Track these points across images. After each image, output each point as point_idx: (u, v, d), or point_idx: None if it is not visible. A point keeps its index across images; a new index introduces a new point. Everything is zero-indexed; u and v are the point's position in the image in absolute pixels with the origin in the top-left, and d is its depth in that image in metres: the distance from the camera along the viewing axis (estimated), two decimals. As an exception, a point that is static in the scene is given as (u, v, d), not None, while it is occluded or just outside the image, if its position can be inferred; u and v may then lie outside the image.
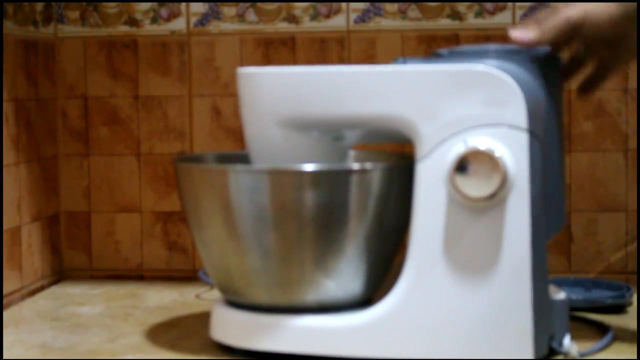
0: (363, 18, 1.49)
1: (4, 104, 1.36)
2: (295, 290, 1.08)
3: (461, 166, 1.02)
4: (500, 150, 1.02)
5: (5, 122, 1.36)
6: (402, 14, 1.48)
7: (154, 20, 1.52)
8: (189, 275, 1.53)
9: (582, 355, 1.08)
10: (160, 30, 1.52)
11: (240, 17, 1.51)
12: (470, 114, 1.03)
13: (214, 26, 1.51)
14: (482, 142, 1.02)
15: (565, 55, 1.12)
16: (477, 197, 1.02)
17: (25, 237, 1.42)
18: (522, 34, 1.06)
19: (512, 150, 1.03)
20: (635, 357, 1.09)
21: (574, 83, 1.16)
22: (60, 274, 1.55)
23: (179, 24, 1.52)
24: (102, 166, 1.55)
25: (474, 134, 1.03)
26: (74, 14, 1.54)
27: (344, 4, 1.49)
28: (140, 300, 1.41)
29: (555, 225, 1.09)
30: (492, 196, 1.02)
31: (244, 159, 1.15)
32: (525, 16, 1.13)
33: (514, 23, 1.46)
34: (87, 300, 1.41)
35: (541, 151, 1.05)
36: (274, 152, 1.11)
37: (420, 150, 1.05)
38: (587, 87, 1.15)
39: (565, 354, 1.07)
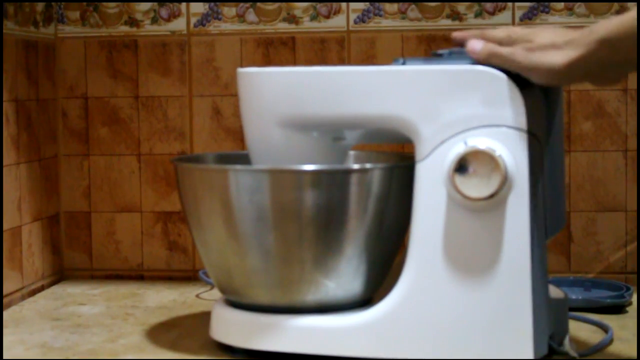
0: (363, 18, 1.49)
1: (5, 104, 1.36)
2: (295, 290, 1.08)
3: (461, 166, 1.02)
4: (500, 150, 1.02)
5: (5, 122, 1.36)
6: (402, 14, 1.48)
7: (154, 21, 1.52)
8: (189, 275, 1.53)
9: (581, 355, 1.08)
10: (160, 31, 1.53)
11: (240, 18, 1.51)
12: (470, 114, 1.03)
13: (214, 26, 1.51)
14: (482, 142, 1.02)
15: None
16: (477, 197, 1.02)
17: (25, 237, 1.42)
18: (476, 47, 1.05)
19: (512, 150, 1.03)
20: (635, 357, 1.09)
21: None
22: (60, 274, 1.55)
23: (179, 24, 1.52)
24: (102, 166, 1.55)
25: (474, 134, 1.03)
26: (74, 14, 1.54)
27: (344, 4, 1.49)
28: (140, 300, 1.41)
29: (555, 225, 1.09)
30: (492, 196, 1.02)
31: (244, 159, 1.15)
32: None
33: (513, 23, 1.46)
34: (87, 300, 1.41)
35: (541, 151, 1.05)
36: (274, 152, 1.11)
37: (420, 151, 1.05)
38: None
39: (565, 354, 1.07)
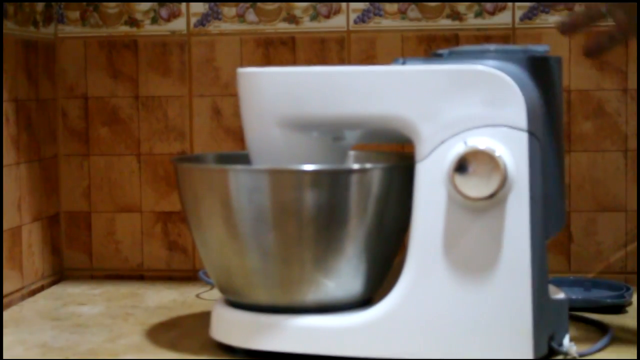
0: (363, 18, 1.49)
1: (4, 104, 1.36)
2: (295, 290, 1.08)
3: (461, 166, 1.02)
4: (500, 150, 1.02)
5: (5, 122, 1.36)
6: (402, 14, 1.48)
7: (154, 21, 1.52)
8: (189, 275, 1.53)
9: (581, 355, 1.08)
10: (160, 31, 1.53)
11: (240, 17, 1.51)
12: (470, 114, 1.03)
13: (214, 26, 1.51)
14: (482, 142, 1.02)
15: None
16: (476, 197, 1.02)
17: (25, 237, 1.42)
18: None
19: (512, 150, 1.03)
20: (635, 357, 1.09)
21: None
22: (60, 274, 1.55)
23: (179, 24, 1.52)
24: (102, 166, 1.55)
25: (474, 134, 1.03)
26: (74, 14, 1.54)
27: (344, 4, 1.49)
28: (140, 300, 1.41)
29: (555, 225, 1.09)
30: (492, 196, 1.02)
31: (244, 159, 1.15)
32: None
33: (513, 23, 1.46)
34: (87, 300, 1.41)
35: (541, 151, 1.05)
36: (274, 152, 1.11)
37: (420, 151, 1.05)
38: (596, 50, 1.13)
39: (565, 353, 1.07)
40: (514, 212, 1.03)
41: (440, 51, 1.11)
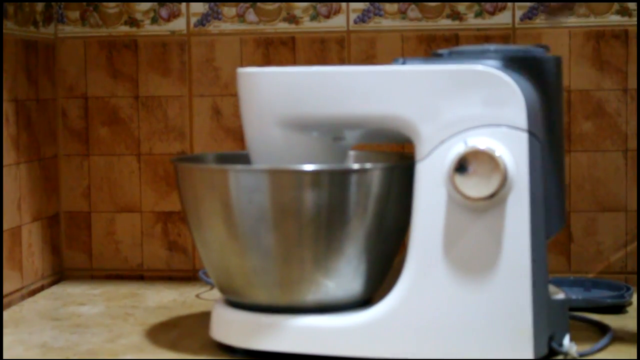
0: (363, 18, 1.49)
1: (4, 104, 1.36)
2: (295, 290, 1.08)
3: (461, 166, 1.02)
4: (500, 150, 1.02)
5: (5, 122, 1.36)
6: (402, 14, 1.48)
7: (154, 21, 1.52)
8: (189, 275, 1.53)
9: (581, 355, 1.08)
10: (160, 31, 1.53)
11: (240, 17, 1.51)
12: (470, 114, 1.03)
13: (214, 26, 1.51)
14: (482, 142, 1.02)
15: None
16: (477, 197, 1.02)
17: (25, 237, 1.42)
18: None
19: (512, 150, 1.03)
20: (635, 357, 1.09)
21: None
22: (60, 274, 1.55)
23: (179, 24, 1.52)
24: (102, 166, 1.55)
25: (474, 134, 1.03)
26: (74, 14, 1.54)
27: (344, 4, 1.49)
28: (140, 300, 1.41)
29: (555, 225, 1.09)
30: (492, 196, 1.02)
31: (244, 159, 1.15)
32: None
33: (513, 23, 1.46)
34: (87, 300, 1.41)
35: (541, 151, 1.05)
36: (274, 152, 1.11)
37: (420, 151, 1.05)
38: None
39: (565, 354, 1.07)
40: (514, 212, 1.03)
41: (440, 51, 1.11)
